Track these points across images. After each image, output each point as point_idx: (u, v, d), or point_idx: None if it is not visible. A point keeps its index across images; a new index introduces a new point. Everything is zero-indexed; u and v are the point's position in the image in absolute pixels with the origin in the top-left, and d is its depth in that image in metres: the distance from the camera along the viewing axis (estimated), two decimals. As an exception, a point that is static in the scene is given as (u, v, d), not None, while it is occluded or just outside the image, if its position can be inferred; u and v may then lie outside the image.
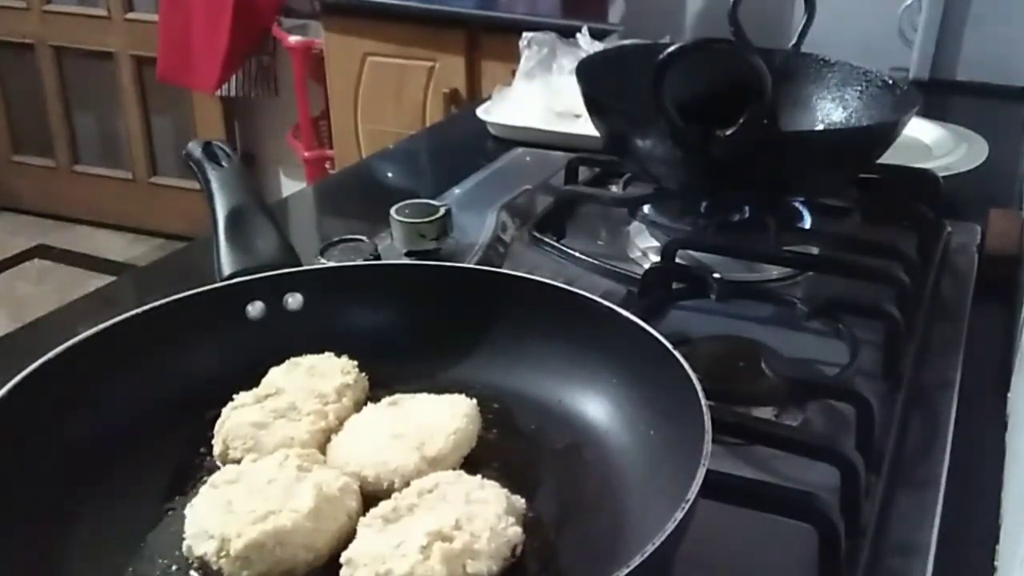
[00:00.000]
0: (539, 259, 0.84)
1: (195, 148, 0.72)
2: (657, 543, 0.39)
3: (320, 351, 0.59)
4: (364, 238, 0.79)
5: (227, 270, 0.64)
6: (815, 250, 0.82)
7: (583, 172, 1.00)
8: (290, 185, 2.91)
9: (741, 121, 0.70)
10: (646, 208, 0.87)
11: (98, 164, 3.20)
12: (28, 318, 0.78)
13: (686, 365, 0.50)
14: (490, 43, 1.97)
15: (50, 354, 0.52)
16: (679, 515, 0.40)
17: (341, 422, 0.55)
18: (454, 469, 0.51)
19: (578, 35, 1.31)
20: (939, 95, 1.45)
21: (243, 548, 0.44)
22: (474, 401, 0.55)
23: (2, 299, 2.81)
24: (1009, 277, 0.82)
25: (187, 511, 0.47)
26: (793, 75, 0.91)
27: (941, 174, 0.95)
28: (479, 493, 0.48)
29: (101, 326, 0.55)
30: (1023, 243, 0.84)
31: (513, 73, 1.29)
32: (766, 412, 0.61)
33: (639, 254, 0.87)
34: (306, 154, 2.59)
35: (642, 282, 0.75)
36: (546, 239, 0.86)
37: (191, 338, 0.59)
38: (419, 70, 2.08)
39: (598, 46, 1.29)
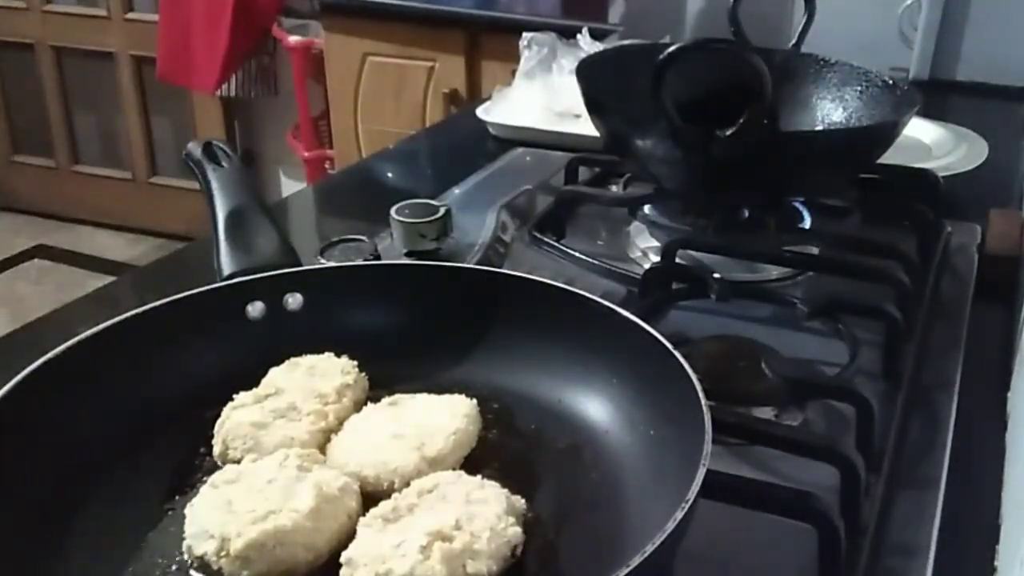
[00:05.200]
0: (539, 259, 0.84)
1: (195, 148, 0.72)
2: (657, 543, 0.39)
3: (320, 351, 0.59)
4: (364, 238, 0.79)
5: (227, 270, 0.64)
6: (815, 250, 0.82)
7: (583, 172, 1.00)
8: (290, 185, 2.91)
9: (741, 121, 0.70)
10: (646, 208, 0.87)
11: (98, 164, 3.20)
12: (28, 318, 0.78)
13: (686, 365, 0.50)
14: (490, 43, 1.97)
15: (50, 354, 0.52)
16: (679, 515, 0.40)
17: (341, 422, 0.55)
18: (454, 469, 0.51)
19: (578, 35, 1.30)
20: (939, 95, 1.46)
21: (243, 548, 0.44)
22: (474, 401, 0.55)
23: (2, 299, 2.81)
24: (1009, 277, 0.82)
25: (187, 511, 0.47)
26: (793, 75, 0.91)
27: (941, 174, 0.95)
28: (479, 493, 0.48)
29: (101, 326, 0.55)
30: (1023, 243, 0.84)
31: (513, 73, 1.29)
32: (766, 412, 0.61)
33: (639, 254, 0.87)
34: (306, 154, 2.59)
35: (642, 282, 0.75)
36: (546, 239, 0.86)
37: (191, 338, 0.59)
38: (419, 70, 2.08)
39: (598, 46, 1.29)
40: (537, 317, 0.60)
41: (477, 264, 0.80)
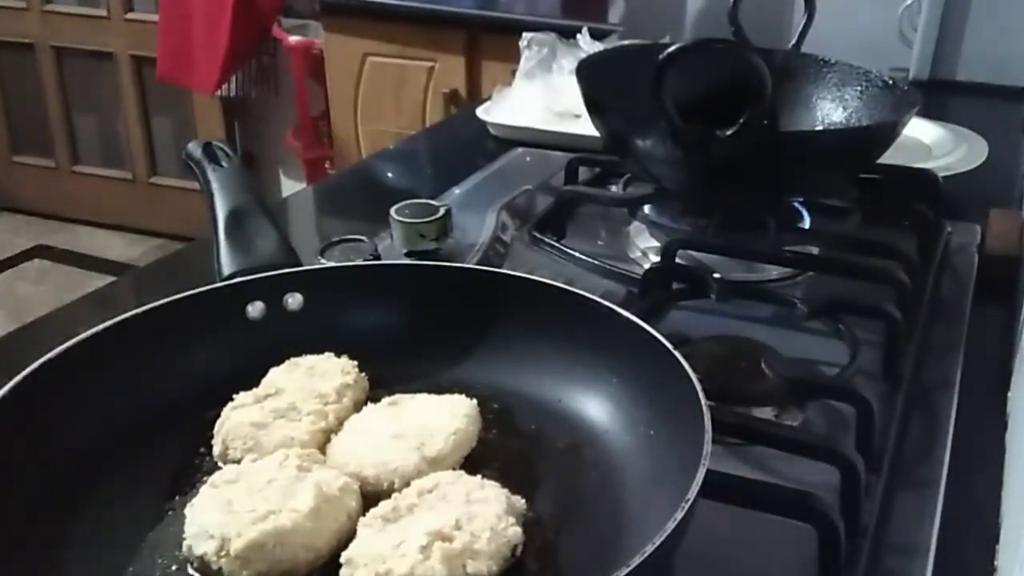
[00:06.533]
0: (539, 259, 0.84)
1: (195, 148, 0.72)
2: (657, 543, 0.39)
3: (320, 351, 0.59)
4: (364, 238, 0.79)
5: (227, 270, 0.64)
6: (815, 250, 0.82)
7: (583, 172, 1.00)
8: (290, 185, 2.91)
9: (741, 121, 0.70)
10: (646, 208, 0.87)
11: (98, 164, 3.20)
12: (28, 318, 0.78)
13: (686, 365, 0.50)
14: (490, 43, 1.97)
15: (50, 354, 0.52)
16: (679, 515, 0.40)
17: (341, 422, 0.55)
18: (454, 469, 0.51)
19: (578, 35, 1.31)
20: (939, 95, 1.45)
21: (243, 548, 0.44)
22: (474, 401, 0.55)
23: (2, 299, 2.81)
24: (1009, 277, 0.82)
25: (187, 511, 0.47)
26: (793, 75, 0.91)
27: (941, 174, 0.95)
28: (479, 493, 0.48)
29: (101, 326, 0.55)
30: (1023, 243, 0.84)
31: (513, 73, 1.29)
32: (766, 412, 0.61)
33: (639, 254, 0.87)
34: (306, 154, 2.59)
35: (642, 282, 0.75)
36: (546, 239, 0.86)
37: (191, 338, 0.59)
38: (419, 70, 2.08)
39: (598, 46, 1.29)
40: (537, 317, 0.60)
41: (477, 264, 0.80)
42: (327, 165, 2.56)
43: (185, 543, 0.46)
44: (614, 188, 0.99)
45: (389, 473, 0.50)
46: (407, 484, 0.49)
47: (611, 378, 0.57)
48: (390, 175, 1.19)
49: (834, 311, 0.70)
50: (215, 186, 0.69)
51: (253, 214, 0.67)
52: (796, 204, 0.87)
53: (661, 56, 0.68)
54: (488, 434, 0.56)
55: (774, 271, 0.82)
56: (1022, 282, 0.80)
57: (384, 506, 0.47)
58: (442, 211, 0.83)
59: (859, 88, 0.89)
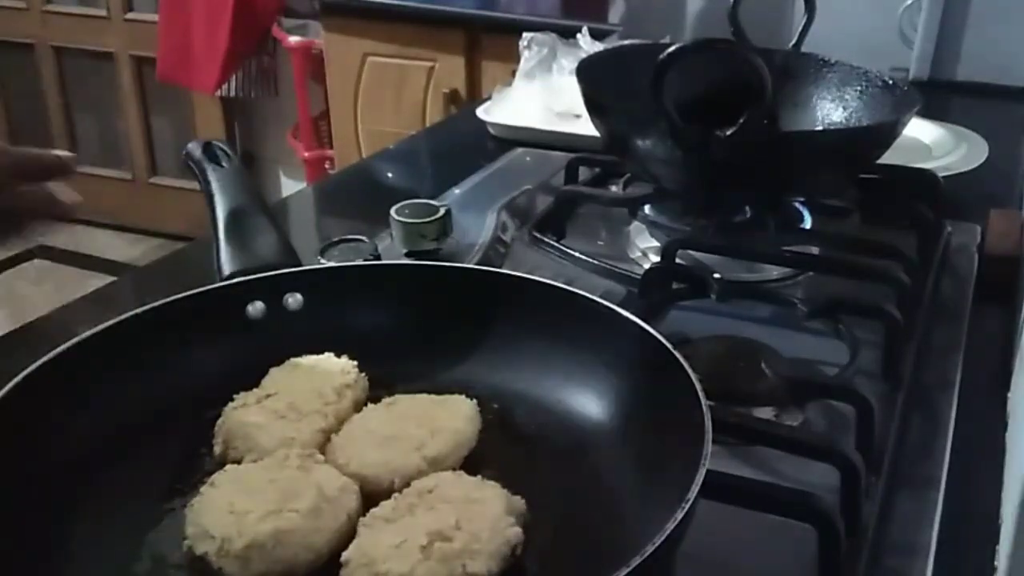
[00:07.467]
0: (539, 259, 0.84)
1: (195, 148, 0.72)
2: (657, 543, 0.39)
3: (320, 351, 0.59)
4: (364, 238, 0.79)
5: (227, 270, 0.64)
6: (815, 250, 0.82)
7: (583, 172, 1.00)
8: (290, 185, 2.91)
9: (741, 121, 0.70)
10: (646, 208, 0.87)
11: (98, 164, 3.20)
12: (28, 318, 0.77)
13: (686, 365, 0.50)
14: (490, 43, 1.97)
15: (50, 354, 0.52)
16: (679, 515, 0.40)
17: (341, 422, 0.55)
18: (454, 469, 0.51)
19: (578, 35, 1.30)
20: (939, 95, 1.45)
21: (243, 548, 0.44)
22: (474, 401, 0.56)
23: (2, 299, 2.81)
24: (1009, 277, 0.82)
25: (187, 511, 0.47)
26: (793, 75, 0.91)
27: (941, 174, 0.95)
28: (479, 493, 0.48)
29: (101, 326, 0.55)
30: (1023, 243, 0.84)
31: (513, 73, 1.29)
32: (766, 412, 0.61)
33: (639, 254, 0.87)
34: (306, 154, 2.59)
35: (642, 282, 0.75)
36: (546, 239, 0.86)
37: (191, 338, 0.59)
38: (419, 70, 2.08)
39: (598, 46, 1.29)
40: (537, 317, 0.60)
41: (477, 264, 0.80)
42: (327, 165, 2.56)
43: (185, 543, 0.46)
44: (614, 188, 0.99)
45: (389, 473, 0.50)
46: (407, 484, 0.49)
47: (611, 378, 0.57)
48: (390, 175, 1.19)
49: (834, 311, 0.70)
50: (215, 186, 0.69)
51: (253, 214, 0.67)
52: (796, 204, 0.87)
53: (661, 56, 0.68)
54: (488, 434, 0.55)
55: (774, 271, 0.82)
56: (1022, 282, 0.80)
57: (384, 506, 0.47)
58: (442, 211, 0.83)
59: (859, 88, 0.89)
